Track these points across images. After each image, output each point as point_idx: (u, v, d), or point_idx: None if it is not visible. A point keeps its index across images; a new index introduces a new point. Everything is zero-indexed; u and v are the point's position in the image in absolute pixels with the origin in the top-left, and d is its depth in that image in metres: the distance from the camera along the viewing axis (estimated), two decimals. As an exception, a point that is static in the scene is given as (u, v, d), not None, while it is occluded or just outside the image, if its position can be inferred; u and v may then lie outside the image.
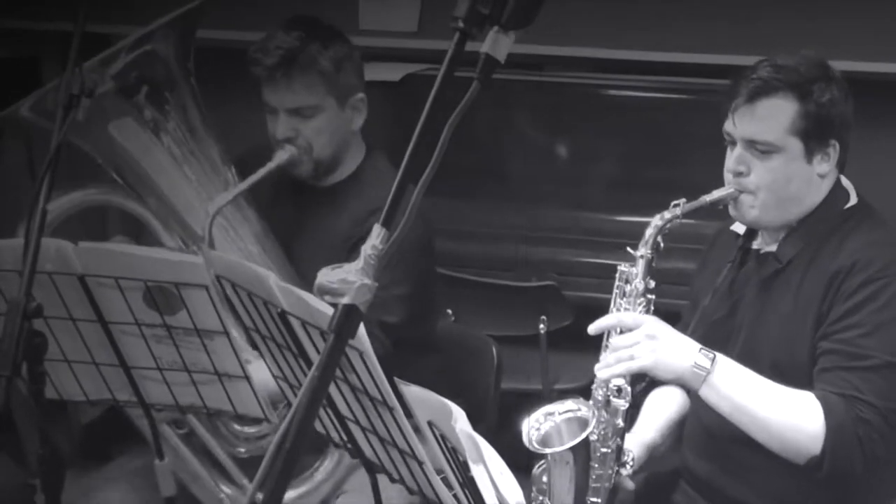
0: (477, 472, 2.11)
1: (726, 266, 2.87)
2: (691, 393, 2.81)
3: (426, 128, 1.84)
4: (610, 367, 2.65)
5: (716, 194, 2.76)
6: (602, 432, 2.68)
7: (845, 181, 2.82)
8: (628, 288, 2.74)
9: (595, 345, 2.74)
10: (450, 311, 4.03)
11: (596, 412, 2.66)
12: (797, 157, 2.72)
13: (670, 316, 2.84)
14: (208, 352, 2.63)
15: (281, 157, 3.10)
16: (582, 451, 2.62)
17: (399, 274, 3.02)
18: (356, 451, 2.47)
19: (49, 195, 2.36)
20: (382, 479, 2.46)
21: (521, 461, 2.66)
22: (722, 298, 2.85)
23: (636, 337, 2.65)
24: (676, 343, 2.66)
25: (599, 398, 2.69)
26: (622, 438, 2.70)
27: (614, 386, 2.68)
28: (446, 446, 2.17)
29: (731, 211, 2.78)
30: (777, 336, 2.73)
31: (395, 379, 2.19)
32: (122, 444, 3.48)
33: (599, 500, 2.68)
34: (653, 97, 4.74)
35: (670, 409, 2.96)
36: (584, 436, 2.60)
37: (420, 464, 2.22)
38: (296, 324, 2.34)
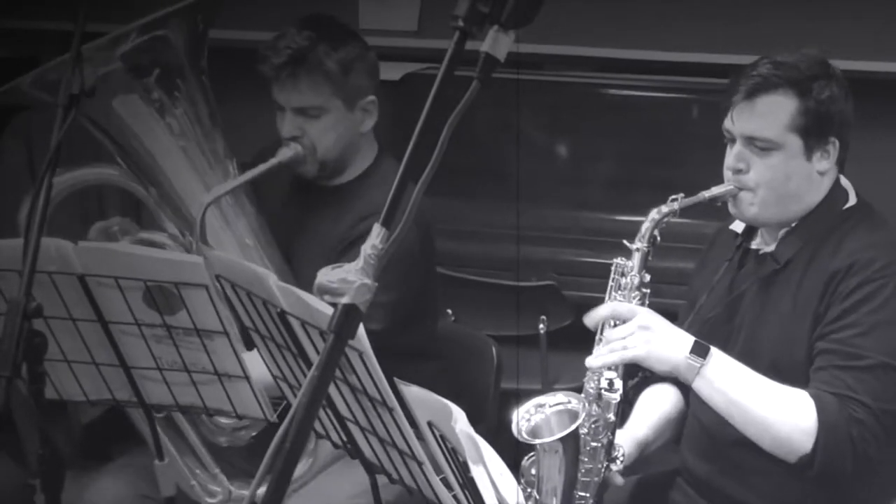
0: (477, 472, 2.12)
1: (724, 265, 2.87)
2: (690, 393, 2.81)
3: (426, 127, 1.84)
4: (602, 357, 2.64)
5: (715, 191, 2.75)
6: (593, 426, 2.67)
7: (845, 181, 2.81)
8: (623, 281, 2.74)
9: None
10: (450, 311, 4.03)
11: (587, 405, 2.66)
12: (797, 155, 2.72)
13: (668, 316, 2.84)
14: (208, 352, 2.63)
15: (284, 154, 3.10)
16: (571, 444, 2.62)
17: (387, 282, 3.01)
18: (356, 452, 2.47)
19: (49, 195, 2.35)
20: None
21: (520, 460, 2.66)
22: (720, 298, 2.85)
23: (630, 328, 2.64)
24: (670, 334, 2.65)
25: (591, 391, 2.69)
26: (613, 433, 2.69)
27: (606, 379, 2.67)
28: (446, 447, 2.17)
29: (731, 208, 2.78)
30: (776, 336, 2.73)
31: (395, 379, 2.19)
32: (122, 444, 3.48)
33: (588, 495, 2.67)
34: (653, 97, 4.74)
35: (664, 406, 2.95)
36: (573, 427, 2.59)
37: (420, 464, 2.22)
38: (295, 324, 2.34)
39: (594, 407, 2.68)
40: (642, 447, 2.86)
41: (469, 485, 2.15)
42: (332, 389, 2.30)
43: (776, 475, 2.68)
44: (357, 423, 2.36)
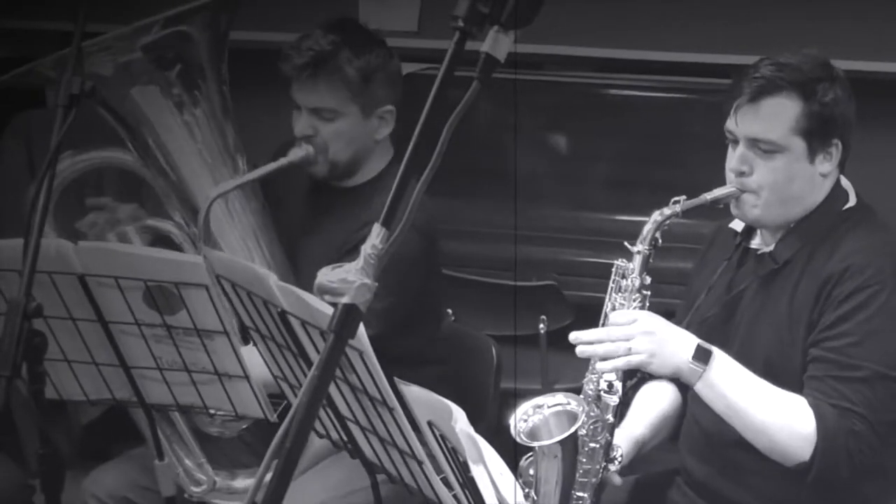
0: (477, 472, 2.12)
1: (723, 264, 2.86)
2: (689, 394, 2.81)
3: (426, 127, 1.84)
4: (609, 362, 2.64)
5: (717, 193, 2.74)
6: (591, 427, 2.67)
7: (845, 181, 2.80)
8: (624, 283, 2.73)
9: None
10: (450, 311, 4.03)
11: (586, 407, 2.66)
12: (800, 157, 2.71)
13: (667, 316, 2.83)
14: (208, 352, 2.63)
15: (296, 153, 3.11)
16: (570, 445, 2.62)
17: (385, 287, 3.00)
18: (356, 451, 2.47)
19: (49, 195, 2.36)
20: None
21: (519, 460, 2.66)
22: (718, 297, 2.85)
23: (632, 331, 2.64)
24: (673, 338, 2.65)
25: (590, 393, 2.69)
26: (611, 434, 2.69)
27: (605, 381, 2.67)
28: (446, 446, 2.17)
29: (733, 210, 2.77)
30: (771, 337, 2.73)
31: (395, 379, 2.19)
32: (122, 444, 3.48)
33: (586, 495, 2.67)
34: (653, 97, 4.74)
35: (661, 404, 2.94)
36: (573, 429, 2.59)
37: (420, 464, 2.22)
38: (295, 324, 2.34)
39: (593, 408, 2.68)
40: (639, 446, 2.85)
41: (469, 484, 2.15)
42: (332, 389, 2.30)
43: (774, 477, 2.68)
44: (357, 422, 2.36)
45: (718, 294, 2.85)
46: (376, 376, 2.17)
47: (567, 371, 3.98)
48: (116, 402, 2.78)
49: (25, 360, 2.30)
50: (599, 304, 2.78)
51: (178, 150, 3.12)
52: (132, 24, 2.99)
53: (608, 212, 4.56)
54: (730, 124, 2.74)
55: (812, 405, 2.60)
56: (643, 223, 2.74)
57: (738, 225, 2.86)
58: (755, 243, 2.85)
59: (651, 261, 2.73)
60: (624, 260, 2.74)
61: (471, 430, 2.11)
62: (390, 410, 2.20)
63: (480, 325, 3.73)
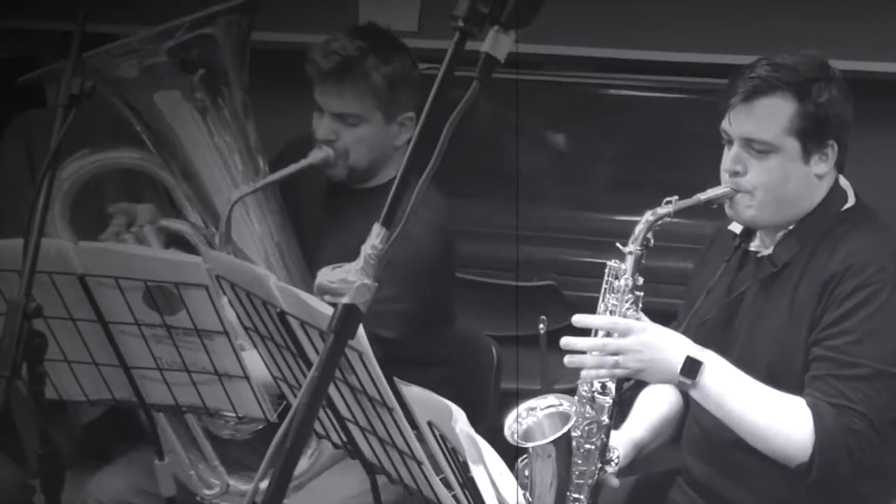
0: (477, 472, 2.11)
1: (722, 266, 2.86)
2: (688, 395, 2.81)
3: (426, 127, 1.84)
4: (596, 370, 2.64)
5: (710, 193, 2.74)
6: (586, 428, 2.67)
7: (844, 182, 2.79)
8: (617, 284, 2.73)
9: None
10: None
11: (579, 407, 2.65)
12: (794, 158, 2.70)
13: (667, 316, 2.83)
14: (208, 352, 2.63)
15: (316, 156, 3.11)
16: (563, 447, 2.62)
17: (405, 290, 3.02)
18: (356, 452, 2.47)
19: (49, 195, 2.36)
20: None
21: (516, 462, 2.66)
22: (717, 300, 2.84)
23: (623, 345, 2.63)
24: (663, 353, 2.63)
25: (584, 394, 2.69)
26: (607, 435, 2.69)
27: (599, 383, 2.67)
28: (446, 447, 2.17)
29: (728, 210, 2.76)
30: (772, 340, 2.72)
31: (395, 379, 2.19)
32: (122, 444, 3.48)
33: (582, 497, 2.67)
34: (653, 97, 4.74)
35: (661, 407, 2.95)
36: (565, 430, 2.59)
37: (419, 464, 2.22)
38: (295, 324, 2.34)
39: (588, 409, 2.68)
40: (639, 448, 2.86)
41: (469, 485, 2.15)
42: (332, 389, 2.30)
43: (775, 477, 2.67)
44: (357, 423, 2.36)
45: (718, 297, 2.84)
46: (376, 377, 2.17)
47: (567, 371, 3.98)
48: (116, 402, 2.78)
49: (25, 360, 2.30)
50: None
51: (200, 152, 3.13)
52: (157, 28, 3.00)
53: (608, 212, 4.56)
54: (724, 124, 2.73)
55: (810, 404, 2.60)
56: (637, 225, 2.74)
57: (736, 227, 2.86)
58: (754, 245, 2.84)
59: (644, 261, 2.73)
60: (617, 261, 2.74)
61: (471, 430, 2.11)
62: (390, 411, 2.20)
63: (480, 325, 3.73)
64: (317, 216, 3.24)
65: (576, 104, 4.75)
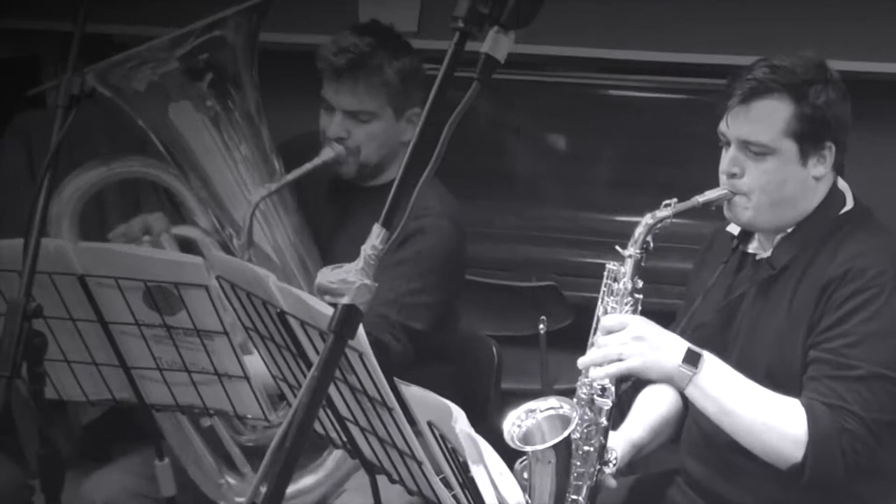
0: (477, 472, 2.11)
1: (720, 267, 2.85)
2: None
3: (426, 127, 1.84)
4: (602, 368, 2.64)
5: (709, 195, 2.74)
6: (585, 430, 2.68)
7: (842, 184, 2.79)
8: (616, 286, 2.73)
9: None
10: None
11: (579, 410, 2.65)
12: (792, 160, 2.70)
13: (668, 317, 2.83)
14: (208, 352, 2.63)
15: (327, 154, 3.12)
16: (563, 449, 2.61)
17: (432, 281, 3.05)
18: (356, 452, 2.47)
19: (49, 195, 2.36)
20: (383, 481, 2.46)
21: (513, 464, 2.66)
22: (715, 302, 2.84)
23: (623, 338, 2.64)
24: (664, 343, 2.65)
25: (583, 396, 2.69)
26: (605, 437, 2.69)
27: (599, 385, 2.67)
28: (446, 447, 2.17)
29: (726, 212, 2.76)
30: (771, 344, 2.72)
31: (395, 379, 2.19)
32: (122, 444, 3.48)
33: (580, 498, 2.67)
34: (653, 97, 4.74)
35: (660, 408, 2.95)
36: (566, 434, 2.59)
37: (419, 464, 2.22)
38: (295, 324, 2.34)
39: (586, 411, 2.68)
40: (637, 449, 2.86)
41: (469, 485, 2.15)
42: (332, 389, 2.30)
43: (773, 479, 2.67)
44: (357, 423, 2.36)
45: (716, 299, 2.84)
46: (376, 377, 2.17)
47: (567, 371, 3.98)
48: (116, 402, 2.78)
49: (25, 360, 2.30)
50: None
51: (214, 160, 3.11)
52: (167, 36, 2.98)
53: (608, 212, 4.56)
54: (721, 126, 2.73)
55: (805, 404, 2.59)
56: (636, 228, 2.74)
57: (734, 228, 2.85)
58: (752, 248, 2.84)
59: (643, 264, 2.73)
60: (616, 263, 2.74)
61: (471, 430, 2.11)
62: (390, 411, 2.20)
63: (480, 325, 3.73)
64: (325, 215, 3.24)
65: (576, 104, 4.76)
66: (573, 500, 2.67)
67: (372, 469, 2.48)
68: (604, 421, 2.68)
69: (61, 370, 2.72)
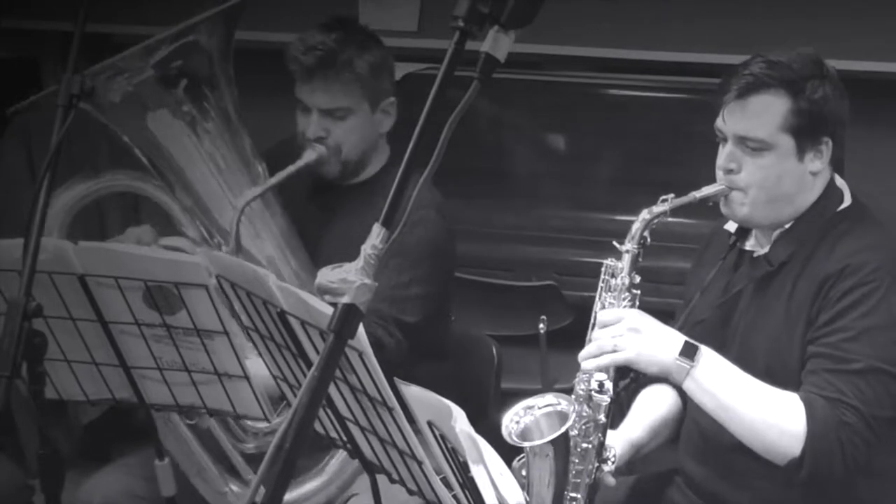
0: (477, 472, 2.11)
1: (718, 264, 2.85)
2: (687, 396, 2.80)
3: (426, 127, 1.84)
4: (595, 359, 2.64)
5: (706, 191, 2.74)
6: (583, 427, 2.67)
7: (840, 181, 2.79)
8: (613, 282, 2.73)
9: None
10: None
11: (576, 406, 2.65)
12: (789, 155, 2.70)
13: (668, 315, 2.83)
14: (208, 352, 2.63)
15: (310, 156, 3.12)
16: (561, 446, 2.61)
17: (421, 273, 3.05)
18: (356, 452, 2.47)
19: (49, 195, 2.36)
20: (384, 481, 2.46)
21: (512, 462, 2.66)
22: (713, 299, 2.84)
23: (619, 329, 2.64)
24: (660, 335, 2.65)
25: (581, 393, 2.69)
26: (604, 434, 2.69)
27: (596, 381, 2.67)
28: (446, 446, 2.17)
29: (723, 208, 2.76)
30: (769, 340, 2.72)
31: (395, 379, 2.19)
32: (122, 444, 3.48)
33: (579, 496, 2.67)
34: (652, 97, 4.74)
35: (660, 408, 2.94)
36: (563, 429, 2.59)
37: (419, 464, 2.22)
38: (295, 324, 2.34)
39: (585, 408, 2.68)
40: (637, 448, 2.85)
41: (469, 485, 2.15)
42: (332, 389, 2.30)
43: (773, 479, 2.67)
44: (357, 422, 2.36)
45: (714, 296, 2.84)
46: (376, 377, 2.17)
47: (567, 371, 3.98)
48: (116, 402, 2.78)
49: (25, 360, 2.30)
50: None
51: (196, 166, 3.11)
52: (140, 44, 2.98)
53: (608, 212, 4.56)
54: (718, 122, 2.73)
55: (803, 398, 2.59)
56: (633, 224, 2.74)
57: (732, 226, 2.85)
58: (750, 245, 2.84)
59: (640, 260, 2.73)
60: (613, 259, 2.74)
61: (471, 430, 2.11)
62: (390, 411, 2.20)
63: (480, 325, 3.73)
64: (308, 216, 3.24)
65: (576, 104, 4.76)
66: (572, 498, 2.67)
67: (372, 469, 2.48)
68: (602, 418, 2.68)
69: (61, 370, 2.72)
